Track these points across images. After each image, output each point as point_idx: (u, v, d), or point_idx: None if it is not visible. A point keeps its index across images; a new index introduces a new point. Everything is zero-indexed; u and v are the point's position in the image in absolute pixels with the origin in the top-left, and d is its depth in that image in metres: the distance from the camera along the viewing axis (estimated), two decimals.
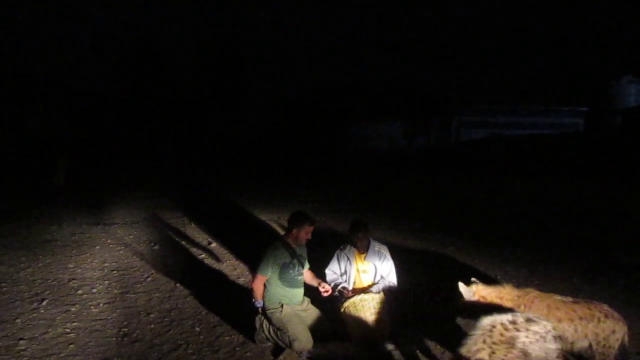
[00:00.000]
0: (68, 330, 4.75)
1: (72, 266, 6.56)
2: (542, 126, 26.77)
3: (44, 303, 5.34)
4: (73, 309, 5.24)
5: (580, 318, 3.58)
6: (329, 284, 4.64)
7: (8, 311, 5.11)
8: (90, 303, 5.42)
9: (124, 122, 29.94)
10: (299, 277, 4.50)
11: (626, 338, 3.63)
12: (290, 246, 4.47)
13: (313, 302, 4.64)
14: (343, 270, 4.79)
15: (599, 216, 8.40)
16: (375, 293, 4.57)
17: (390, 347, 4.29)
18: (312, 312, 4.53)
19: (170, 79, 34.26)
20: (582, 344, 3.60)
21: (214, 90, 34.52)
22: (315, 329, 4.36)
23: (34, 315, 5.05)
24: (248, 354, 4.36)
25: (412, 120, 29.58)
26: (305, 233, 4.46)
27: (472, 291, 3.85)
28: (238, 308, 5.05)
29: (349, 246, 4.87)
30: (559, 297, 3.79)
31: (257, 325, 4.46)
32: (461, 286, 3.89)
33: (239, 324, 4.80)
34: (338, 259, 4.86)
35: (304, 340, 4.19)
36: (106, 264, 6.71)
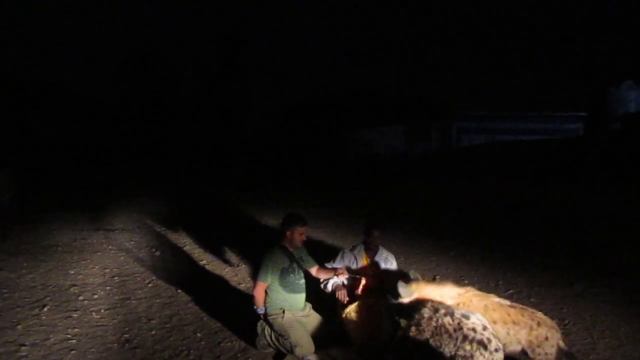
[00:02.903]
0: (69, 336, 4.74)
1: (73, 272, 6.56)
2: (542, 132, 26.80)
3: (45, 309, 5.34)
4: (74, 315, 5.23)
5: (514, 322, 3.66)
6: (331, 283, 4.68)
7: (9, 317, 5.10)
8: (91, 309, 5.42)
9: (124, 126, 29.97)
10: (300, 282, 4.49)
11: (561, 343, 3.71)
12: (287, 250, 4.48)
13: (314, 308, 4.65)
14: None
15: (599, 221, 8.40)
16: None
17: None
18: (313, 318, 4.53)
19: (171, 84, 34.31)
20: (514, 348, 3.67)
21: (215, 96, 34.57)
22: (317, 335, 4.37)
23: (35, 321, 5.05)
24: (250, 359, 4.37)
25: (412, 126, 29.62)
26: (299, 234, 4.46)
27: (412, 289, 3.88)
28: (239, 314, 5.05)
29: (359, 247, 4.92)
30: (497, 300, 3.86)
31: (259, 331, 4.46)
32: (400, 285, 3.89)
33: (240, 330, 4.80)
34: (342, 258, 4.90)
35: (305, 346, 4.19)
36: (107, 270, 6.71)
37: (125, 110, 31.92)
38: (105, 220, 9.67)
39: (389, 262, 4.94)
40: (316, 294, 4.90)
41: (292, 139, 31.76)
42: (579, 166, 14.23)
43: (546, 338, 3.63)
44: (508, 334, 3.64)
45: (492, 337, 3.26)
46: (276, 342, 4.34)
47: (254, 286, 4.44)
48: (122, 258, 7.28)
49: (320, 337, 4.35)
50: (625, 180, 11.51)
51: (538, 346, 3.61)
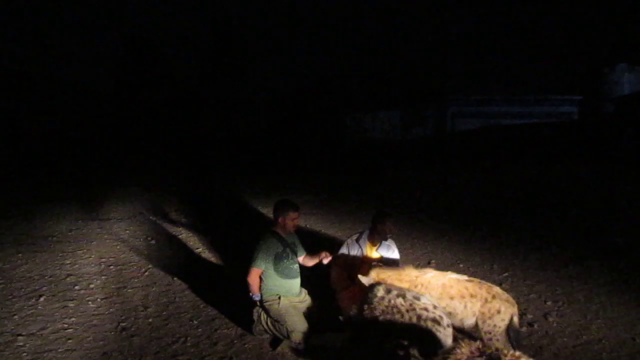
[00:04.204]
0: (66, 325, 4.76)
1: (69, 262, 6.56)
2: (536, 115, 26.76)
3: (42, 299, 5.35)
4: (71, 305, 5.25)
5: (471, 295, 3.78)
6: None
7: (6, 307, 5.12)
8: (87, 298, 5.43)
9: (118, 116, 29.79)
10: (294, 267, 4.52)
11: (515, 319, 3.81)
12: (280, 236, 4.51)
13: (310, 294, 4.68)
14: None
15: (594, 204, 8.44)
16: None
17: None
18: (309, 303, 4.56)
19: (165, 72, 34.01)
20: (470, 322, 3.81)
21: (210, 83, 34.31)
22: (312, 320, 4.40)
23: (32, 311, 5.06)
24: (246, 345, 4.39)
25: (408, 111, 29.53)
26: (291, 220, 4.51)
27: (372, 278, 4.02)
28: (236, 301, 5.07)
29: (364, 236, 4.93)
30: (454, 276, 3.99)
31: (255, 317, 4.48)
32: (361, 278, 4.06)
33: (236, 317, 4.83)
34: (348, 250, 4.91)
35: (301, 331, 4.21)
36: (103, 259, 6.71)
37: (119, 100, 31.66)
38: (101, 210, 9.65)
39: (391, 249, 4.97)
40: (314, 278, 4.93)
41: (287, 125, 31.66)
42: (574, 149, 14.27)
43: (498, 311, 3.73)
44: (465, 307, 3.77)
45: (443, 314, 3.49)
46: (272, 328, 4.36)
47: (248, 273, 4.45)
48: (117, 247, 7.28)
49: (315, 322, 4.38)
50: (620, 163, 11.55)
51: (489, 317, 3.72)
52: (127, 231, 8.14)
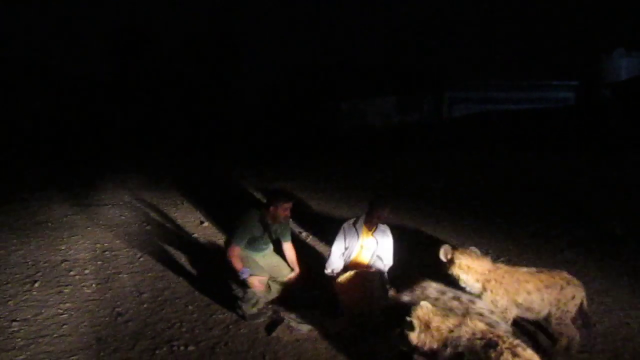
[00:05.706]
0: (61, 311, 4.75)
1: (63, 248, 6.53)
2: (533, 101, 26.72)
3: (36, 285, 5.33)
4: (66, 290, 5.23)
5: (547, 287, 3.75)
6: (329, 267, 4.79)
7: (0, 293, 5.10)
8: (82, 284, 5.42)
9: (113, 102, 29.58)
10: (264, 246, 4.74)
11: (585, 302, 3.85)
12: (265, 221, 4.59)
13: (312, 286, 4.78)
14: (347, 246, 4.82)
15: (591, 189, 8.43)
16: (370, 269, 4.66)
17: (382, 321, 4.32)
18: (286, 272, 4.78)
19: (161, 57, 33.75)
20: (544, 312, 3.78)
21: (206, 69, 34.07)
22: (304, 294, 4.52)
23: (27, 297, 5.05)
24: (242, 330, 4.40)
25: (404, 97, 29.43)
26: (283, 210, 4.57)
27: (449, 254, 4.00)
28: (231, 286, 5.06)
29: (360, 220, 4.91)
30: (525, 269, 3.97)
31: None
32: (442, 247, 4.05)
33: (231, 303, 4.81)
34: (345, 235, 4.88)
35: (255, 275, 4.41)
36: (98, 245, 6.68)
37: (115, 87, 31.44)
38: (96, 196, 9.60)
39: (385, 233, 4.97)
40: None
41: (284, 111, 31.50)
42: (571, 135, 14.25)
43: (573, 297, 3.72)
44: (543, 300, 3.73)
45: (498, 319, 3.45)
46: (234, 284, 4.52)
47: (228, 250, 4.51)
48: (113, 233, 7.25)
49: (307, 297, 4.47)
50: (617, 149, 11.54)
51: (564, 304, 3.69)
52: (122, 217, 8.10)
